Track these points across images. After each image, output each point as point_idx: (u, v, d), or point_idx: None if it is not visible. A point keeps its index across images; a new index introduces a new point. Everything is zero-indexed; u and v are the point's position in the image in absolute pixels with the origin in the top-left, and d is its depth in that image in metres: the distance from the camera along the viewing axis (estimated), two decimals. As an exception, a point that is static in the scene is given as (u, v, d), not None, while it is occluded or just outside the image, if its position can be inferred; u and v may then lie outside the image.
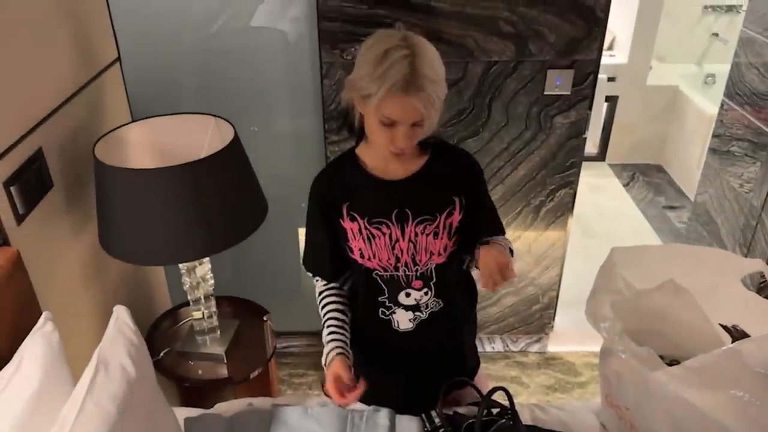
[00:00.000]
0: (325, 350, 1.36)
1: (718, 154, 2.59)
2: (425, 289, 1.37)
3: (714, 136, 2.63)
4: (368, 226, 1.31)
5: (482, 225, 1.40)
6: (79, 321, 1.65)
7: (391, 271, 1.34)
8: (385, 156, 1.28)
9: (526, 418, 1.44)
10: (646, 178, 4.09)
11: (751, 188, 2.33)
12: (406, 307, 1.38)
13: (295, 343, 2.57)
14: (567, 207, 2.28)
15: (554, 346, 2.60)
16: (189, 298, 1.81)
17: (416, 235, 1.32)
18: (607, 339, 1.28)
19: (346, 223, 1.32)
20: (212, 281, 1.80)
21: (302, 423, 1.42)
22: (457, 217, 1.33)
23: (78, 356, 1.35)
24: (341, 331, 1.38)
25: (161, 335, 1.94)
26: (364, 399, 1.32)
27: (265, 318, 1.97)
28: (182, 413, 1.44)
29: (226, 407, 1.52)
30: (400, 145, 1.21)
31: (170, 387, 1.81)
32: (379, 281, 1.36)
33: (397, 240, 1.32)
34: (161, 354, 1.84)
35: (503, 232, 1.46)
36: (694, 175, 3.46)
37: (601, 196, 3.83)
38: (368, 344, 1.45)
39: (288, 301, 2.51)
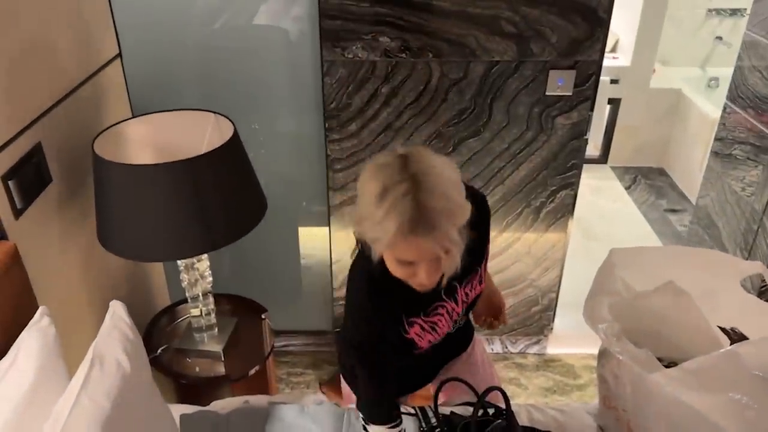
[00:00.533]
0: None
1: (721, 157, 2.58)
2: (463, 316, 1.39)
3: (716, 139, 2.62)
4: (427, 319, 1.26)
5: None
6: (76, 316, 1.65)
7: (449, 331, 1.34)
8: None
9: (523, 420, 1.44)
10: (648, 181, 4.08)
11: (752, 192, 2.32)
12: None
13: (293, 342, 2.56)
14: (568, 208, 2.27)
15: (553, 348, 2.59)
16: (187, 295, 1.81)
17: (467, 294, 1.31)
18: (605, 340, 1.27)
19: (411, 333, 1.25)
20: (211, 278, 1.80)
21: (298, 421, 1.42)
22: (488, 251, 1.34)
23: (74, 351, 1.35)
24: None
25: (159, 332, 1.93)
26: None
27: (263, 316, 1.97)
28: (178, 410, 1.44)
29: (222, 404, 1.52)
30: (425, 284, 1.09)
31: (168, 384, 1.80)
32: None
33: (453, 309, 1.30)
34: (159, 351, 1.83)
35: None
36: (696, 179, 3.45)
37: (602, 199, 3.82)
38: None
39: (287, 299, 2.51)
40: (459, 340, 1.49)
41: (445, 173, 1.03)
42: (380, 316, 1.21)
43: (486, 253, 1.33)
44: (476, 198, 1.19)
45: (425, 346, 1.29)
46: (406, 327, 1.25)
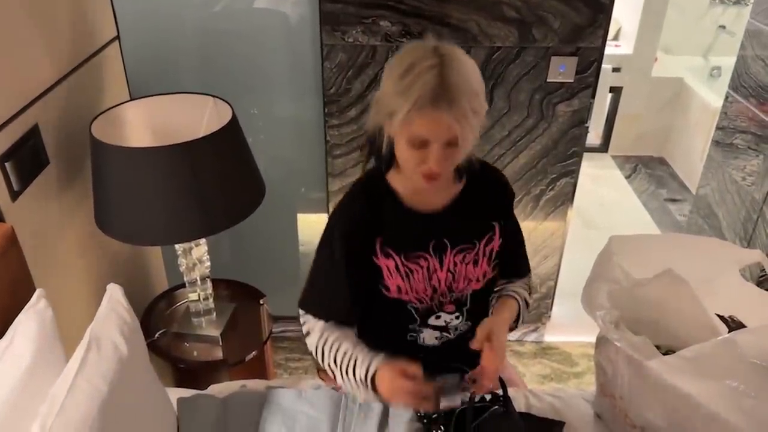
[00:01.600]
0: (361, 366, 1.16)
1: (722, 146, 2.57)
2: (457, 314, 1.31)
3: (718, 128, 2.61)
4: (405, 262, 1.21)
5: (514, 257, 1.35)
6: (73, 299, 1.64)
7: (427, 303, 1.27)
8: (417, 184, 1.13)
9: (520, 406, 1.44)
10: (649, 170, 4.07)
11: (753, 181, 2.31)
12: (434, 327, 1.31)
13: (291, 328, 2.57)
14: (567, 197, 2.27)
15: (551, 336, 2.60)
16: (185, 279, 1.80)
17: (455, 264, 1.24)
18: (604, 328, 1.27)
19: (381, 261, 1.20)
20: (209, 263, 1.80)
21: (296, 405, 1.42)
22: (497, 242, 1.27)
23: (71, 334, 1.34)
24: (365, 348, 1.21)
25: (157, 316, 1.93)
26: None
27: (261, 301, 1.97)
28: (176, 393, 1.44)
29: (219, 388, 1.52)
30: (434, 168, 1.07)
31: (165, 368, 1.81)
32: (412, 311, 1.28)
33: (435, 271, 1.23)
34: (156, 335, 1.84)
35: (528, 270, 1.40)
36: (696, 168, 3.44)
37: (602, 188, 3.81)
38: (388, 353, 1.36)
39: (285, 285, 2.50)
40: (465, 350, 1.38)
41: (472, 64, 1.08)
42: (358, 213, 1.20)
43: (494, 237, 1.27)
44: (495, 174, 1.29)
45: (393, 293, 1.23)
46: (379, 252, 1.20)
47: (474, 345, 1.19)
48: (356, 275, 1.22)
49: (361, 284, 1.23)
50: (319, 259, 1.26)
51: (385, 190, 1.21)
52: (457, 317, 1.31)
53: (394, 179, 1.22)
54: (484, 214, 1.26)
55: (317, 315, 1.27)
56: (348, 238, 1.20)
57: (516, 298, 1.34)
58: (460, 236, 1.23)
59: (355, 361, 1.18)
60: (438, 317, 1.30)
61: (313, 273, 1.28)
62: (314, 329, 1.27)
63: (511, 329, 1.32)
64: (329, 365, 1.24)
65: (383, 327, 1.32)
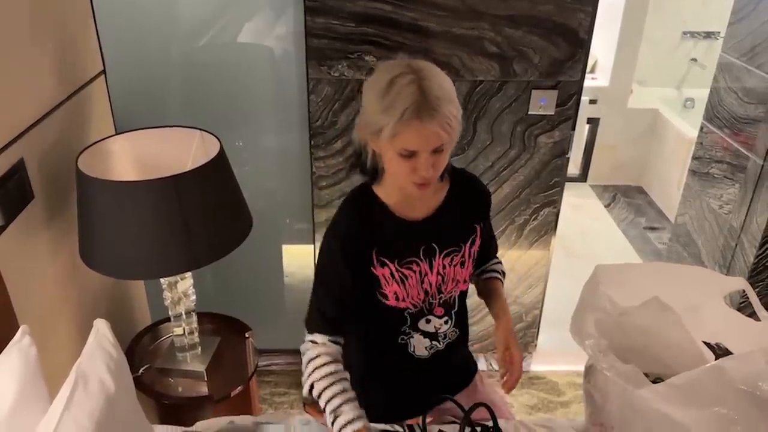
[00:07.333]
0: (341, 420, 1.21)
1: (698, 175, 2.64)
2: (446, 318, 1.36)
3: (694, 158, 2.68)
4: (399, 269, 1.27)
5: (488, 248, 1.44)
6: (57, 335, 1.61)
7: (419, 306, 1.32)
8: (406, 192, 1.22)
9: (510, 437, 1.43)
10: (627, 199, 4.14)
11: (730, 209, 2.37)
12: (424, 334, 1.36)
13: (276, 361, 2.54)
14: (550, 226, 2.30)
15: (537, 365, 2.60)
16: (170, 313, 1.78)
17: (444, 267, 1.31)
18: (592, 356, 1.28)
19: (377, 270, 1.26)
20: (194, 297, 1.78)
21: (284, 441, 1.40)
22: (478, 243, 1.35)
23: (55, 371, 1.32)
24: (353, 397, 1.25)
25: (141, 351, 1.90)
26: (375, 414, 1.31)
27: (246, 335, 1.95)
28: (162, 431, 1.41)
29: (206, 425, 1.49)
30: (425, 175, 1.14)
31: (149, 404, 1.77)
32: (405, 315, 1.33)
33: (426, 274, 1.30)
34: (140, 371, 1.80)
35: (497, 248, 1.52)
36: (674, 197, 3.51)
37: (583, 217, 3.87)
38: (380, 363, 1.43)
39: (270, 318, 2.48)
40: (454, 364, 1.47)
41: (444, 76, 1.15)
42: (354, 228, 1.26)
43: (476, 239, 1.34)
44: (473, 181, 1.38)
45: (391, 300, 1.29)
46: (375, 262, 1.26)
47: (498, 357, 1.35)
48: (358, 287, 1.27)
49: (361, 296, 1.29)
50: (321, 277, 1.31)
51: (374, 203, 1.28)
52: (446, 322, 1.36)
53: (381, 191, 1.28)
54: (466, 218, 1.34)
55: (326, 333, 1.30)
56: (347, 252, 1.25)
57: (499, 278, 1.49)
58: (447, 240, 1.30)
59: (340, 409, 1.22)
60: (428, 321, 1.35)
61: (317, 293, 1.33)
62: (310, 348, 1.30)
63: None
64: (316, 393, 1.27)
65: (375, 331, 1.36)
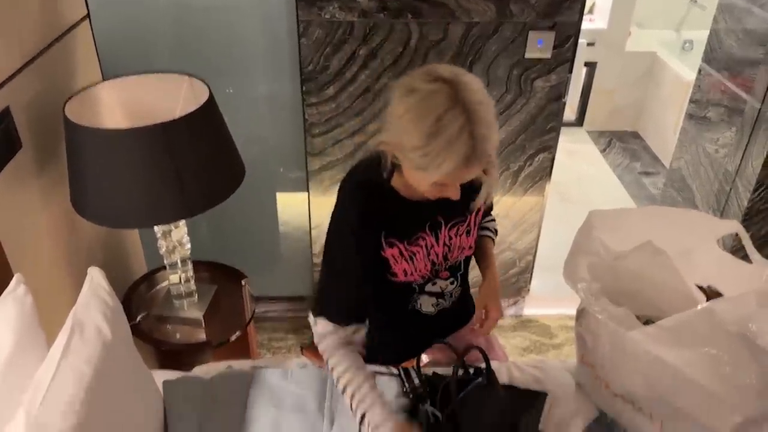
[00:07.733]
0: (375, 415, 1.18)
1: (695, 119, 2.61)
2: (451, 279, 1.39)
3: (691, 101, 2.65)
4: (408, 247, 1.27)
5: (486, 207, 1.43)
6: (52, 284, 1.62)
7: (427, 276, 1.34)
8: (422, 192, 1.17)
9: (502, 378, 1.46)
10: (623, 144, 4.12)
11: (726, 153, 2.36)
12: (431, 293, 1.39)
13: (273, 308, 2.56)
14: (545, 171, 2.29)
15: (530, 309, 2.64)
16: (165, 262, 1.78)
17: (450, 238, 1.32)
18: (585, 300, 1.29)
19: (387, 252, 1.26)
20: (189, 245, 1.78)
21: (283, 384, 1.42)
22: (482, 210, 1.36)
23: (52, 319, 1.32)
24: (378, 395, 1.23)
25: (138, 299, 1.92)
26: (382, 357, 1.37)
27: (243, 282, 1.96)
28: (161, 376, 1.43)
29: (205, 369, 1.52)
30: (453, 198, 1.14)
31: (148, 351, 1.80)
32: (414, 286, 1.35)
33: (432, 247, 1.31)
34: (138, 318, 1.82)
35: (492, 204, 1.49)
36: (669, 142, 3.49)
37: (578, 162, 3.85)
38: (386, 320, 1.44)
39: (266, 266, 2.49)
40: (457, 314, 1.50)
41: (483, 90, 1.05)
42: (363, 213, 1.21)
43: (480, 208, 1.34)
44: None
45: (401, 277, 1.30)
46: (384, 245, 1.25)
47: (476, 316, 1.38)
48: (369, 270, 1.27)
49: (372, 277, 1.29)
50: (335, 267, 1.28)
51: (381, 187, 1.23)
52: (451, 282, 1.40)
53: (397, 181, 1.24)
54: (470, 188, 1.29)
55: (338, 321, 1.27)
56: (361, 241, 1.23)
57: (491, 237, 1.49)
58: (452, 213, 1.30)
59: (370, 406, 1.20)
60: (434, 284, 1.38)
61: (327, 279, 1.31)
62: (328, 334, 1.27)
63: None
64: (338, 381, 1.25)
65: (384, 299, 1.38)
